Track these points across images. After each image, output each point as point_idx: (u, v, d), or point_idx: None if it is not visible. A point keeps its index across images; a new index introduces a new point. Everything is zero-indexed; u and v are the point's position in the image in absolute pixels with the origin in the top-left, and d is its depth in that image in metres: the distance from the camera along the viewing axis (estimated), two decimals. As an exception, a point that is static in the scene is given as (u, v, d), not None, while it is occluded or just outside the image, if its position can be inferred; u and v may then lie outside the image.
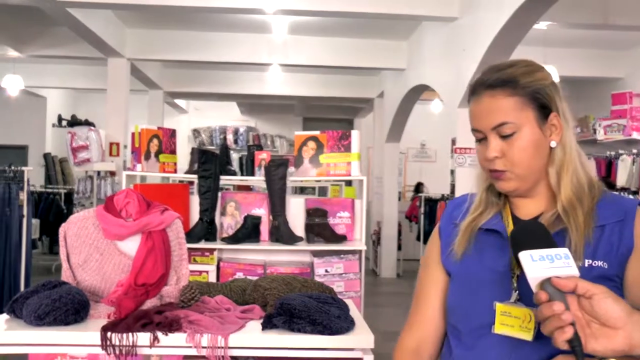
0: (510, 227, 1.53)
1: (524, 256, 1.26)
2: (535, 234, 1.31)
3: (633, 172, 8.24)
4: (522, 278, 1.42)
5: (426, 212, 12.30)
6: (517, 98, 1.48)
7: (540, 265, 1.24)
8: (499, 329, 1.43)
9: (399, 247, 12.93)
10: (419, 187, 14.14)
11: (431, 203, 12.39)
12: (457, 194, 7.89)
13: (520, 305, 1.42)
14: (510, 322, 1.42)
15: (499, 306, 1.44)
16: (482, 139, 1.53)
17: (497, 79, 1.50)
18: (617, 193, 1.61)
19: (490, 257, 1.53)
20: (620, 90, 9.22)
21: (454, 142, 7.92)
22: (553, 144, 1.51)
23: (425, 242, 12.10)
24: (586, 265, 1.41)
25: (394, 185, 12.71)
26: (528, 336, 1.40)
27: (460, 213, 1.65)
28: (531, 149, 1.48)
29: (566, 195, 1.48)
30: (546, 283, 1.23)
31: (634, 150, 8.39)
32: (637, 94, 8.87)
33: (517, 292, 1.46)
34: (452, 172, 8.08)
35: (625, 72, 10.05)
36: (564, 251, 1.26)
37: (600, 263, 1.42)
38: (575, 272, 1.24)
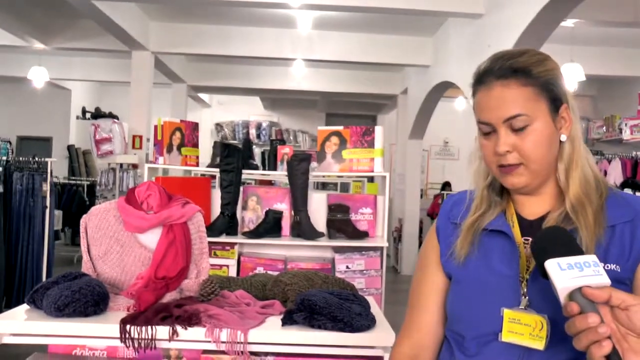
0: (515, 227, 1.45)
1: (551, 265, 1.18)
2: (560, 241, 1.23)
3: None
4: (532, 283, 1.37)
5: (448, 210, 12.23)
6: (530, 88, 1.38)
7: (569, 274, 1.16)
8: (506, 336, 1.35)
9: (420, 245, 12.87)
10: (445, 187, 14.05)
11: (453, 201, 12.31)
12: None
13: (530, 311, 1.34)
14: (520, 329, 1.33)
15: (507, 313, 1.35)
16: (489, 133, 1.42)
17: (509, 67, 1.40)
18: (622, 191, 1.50)
19: (497, 260, 1.43)
20: (649, 89, 9.11)
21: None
22: (563, 137, 1.42)
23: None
24: None
25: (417, 182, 12.65)
26: (539, 345, 1.31)
27: (459, 212, 1.54)
28: (545, 143, 1.39)
29: (575, 192, 1.39)
30: (576, 293, 1.15)
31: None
32: (665, 93, 8.76)
33: (526, 297, 1.37)
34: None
35: (654, 71, 9.91)
36: (592, 258, 1.18)
37: (613, 266, 1.33)
38: (607, 281, 1.16)
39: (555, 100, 1.40)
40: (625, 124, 9.02)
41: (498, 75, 1.40)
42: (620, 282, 1.31)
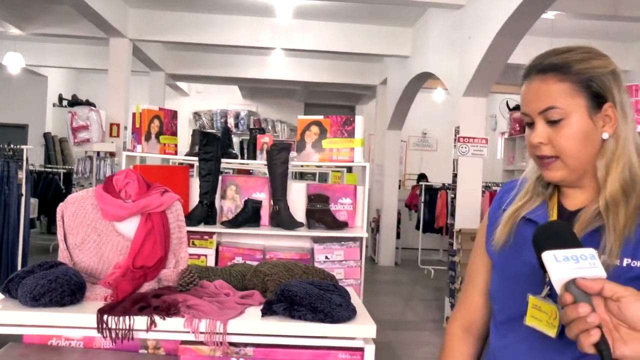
0: (553, 217, 1.49)
1: (548, 256, 1.23)
2: (560, 234, 1.27)
3: (637, 165, 8.19)
4: None
5: (426, 201, 12.28)
6: (568, 84, 1.42)
7: (564, 266, 1.21)
8: (529, 321, 1.39)
9: (398, 236, 12.91)
10: (421, 179, 14.10)
11: (431, 192, 12.37)
12: (459, 183, 7.86)
13: (548, 300, 1.37)
14: (540, 316, 1.37)
15: (531, 299, 1.39)
16: (530, 124, 1.48)
17: (549, 63, 1.45)
18: None
19: (529, 248, 1.45)
20: (627, 83, 9.13)
21: (457, 131, 7.87)
22: (605, 135, 1.44)
23: (424, 231, 12.19)
24: (624, 264, 1.35)
25: (395, 173, 12.69)
26: (552, 332, 1.34)
27: (509, 198, 1.62)
28: (579, 137, 1.42)
29: (612, 190, 1.41)
30: (571, 284, 1.20)
31: None
32: (643, 87, 8.82)
33: (548, 287, 1.39)
34: (455, 161, 8.02)
35: (632, 64, 9.97)
36: (590, 252, 1.22)
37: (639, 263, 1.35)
38: (602, 273, 1.20)
39: (597, 97, 1.43)
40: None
41: (538, 70, 1.46)
42: None
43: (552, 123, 1.42)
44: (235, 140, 9.64)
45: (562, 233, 1.27)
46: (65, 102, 14.52)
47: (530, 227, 1.49)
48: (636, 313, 1.16)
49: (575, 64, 1.43)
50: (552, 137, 1.43)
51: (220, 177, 4.60)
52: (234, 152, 5.10)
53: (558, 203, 1.52)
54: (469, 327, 1.73)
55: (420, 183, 12.80)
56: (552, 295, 1.38)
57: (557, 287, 1.22)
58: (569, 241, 1.25)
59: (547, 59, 1.46)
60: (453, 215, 8.13)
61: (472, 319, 1.72)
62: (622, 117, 1.44)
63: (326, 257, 4.43)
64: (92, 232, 2.32)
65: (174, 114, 4.83)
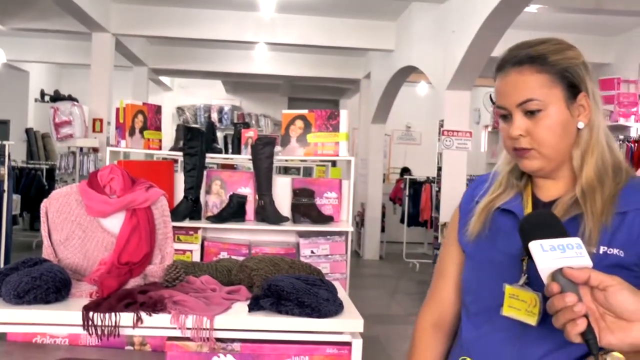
0: (528, 209, 1.50)
1: (534, 246, 1.23)
2: (546, 223, 1.28)
3: (620, 158, 8.25)
4: (532, 261, 1.38)
5: (410, 195, 12.30)
6: (545, 75, 1.43)
7: (551, 255, 1.21)
8: (507, 311, 1.40)
9: (383, 229, 12.93)
10: (404, 172, 14.12)
11: (416, 186, 12.39)
12: (444, 177, 7.87)
13: (527, 289, 1.39)
14: (518, 305, 1.38)
15: (508, 288, 1.41)
16: (506, 117, 1.48)
17: (525, 55, 1.45)
18: None
19: (504, 238, 1.50)
20: (609, 76, 9.22)
21: (441, 124, 7.89)
22: (580, 125, 1.46)
23: (409, 225, 12.21)
24: (600, 252, 1.37)
25: (379, 167, 12.71)
26: (532, 321, 1.36)
27: (481, 190, 1.63)
28: (558, 128, 1.43)
29: (587, 177, 1.43)
30: (558, 274, 1.20)
31: (621, 137, 8.39)
32: (625, 80, 8.87)
33: (526, 275, 1.41)
34: (439, 155, 8.04)
35: (613, 57, 10.01)
36: (576, 241, 1.23)
37: (616, 251, 1.37)
38: (588, 262, 1.21)
39: (572, 87, 1.45)
40: (586, 109, 9.13)
41: (514, 63, 1.46)
42: (624, 267, 1.35)
43: (531, 115, 1.43)
44: (219, 135, 9.62)
45: (548, 222, 1.28)
46: (47, 98, 14.37)
47: (505, 217, 1.52)
48: (622, 302, 1.17)
49: (550, 55, 1.44)
50: (531, 129, 1.43)
51: (205, 172, 4.58)
52: (219, 146, 5.08)
53: (532, 194, 1.53)
54: (439, 322, 1.71)
55: (405, 177, 12.81)
56: (530, 284, 1.40)
57: (544, 276, 1.23)
58: (556, 230, 1.26)
59: (522, 51, 1.46)
60: (438, 208, 8.15)
61: (443, 313, 1.70)
62: (595, 107, 1.46)
63: (312, 252, 4.43)
64: (76, 229, 2.31)
65: (157, 109, 4.81)
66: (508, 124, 1.48)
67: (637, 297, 1.18)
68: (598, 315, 1.20)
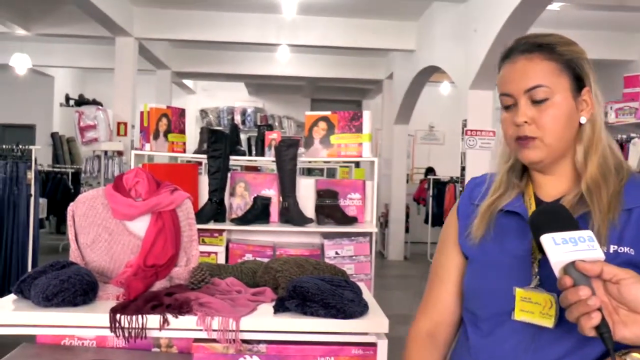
0: (532, 208, 1.46)
1: (546, 239, 1.22)
2: (557, 216, 1.26)
3: (644, 155, 8.15)
4: (543, 263, 1.38)
5: (434, 195, 12.26)
6: (553, 63, 1.43)
7: (563, 248, 1.20)
8: (519, 315, 1.37)
9: (407, 230, 12.90)
10: (429, 173, 14.07)
11: (440, 186, 12.35)
12: (467, 176, 7.83)
13: (540, 290, 1.36)
14: (531, 308, 1.36)
15: (518, 292, 1.38)
16: (510, 106, 1.47)
17: (534, 43, 1.45)
18: None
19: (510, 241, 1.47)
20: (633, 72, 9.11)
21: (464, 124, 7.85)
22: (583, 119, 1.45)
23: (433, 225, 12.15)
24: (611, 251, 1.34)
25: (403, 167, 12.66)
26: (549, 323, 1.34)
27: (479, 193, 1.59)
28: (563, 118, 1.42)
29: (592, 173, 1.41)
30: (570, 267, 1.19)
31: (646, 134, 8.30)
32: (650, 76, 8.77)
33: (537, 277, 1.39)
34: (463, 154, 8.00)
35: (638, 54, 9.91)
36: (587, 233, 1.22)
37: (626, 249, 1.35)
38: (601, 255, 1.20)
39: (578, 80, 1.44)
40: (611, 108, 9.04)
41: (523, 50, 1.45)
42: (635, 265, 1.31)
43: (537, 103, 1.42)
44: (243, 137, 9.65)
45: (559, 215, 1.27)
46: (72, 102, 14.51)
47: (509, 218, 1.49)
48: (635, 295, 1.16)
49: (559, 45, 1.44)
50: (536, 117, 1.42)
51: (229, 174, 4.60)
52: (243, 149, 5.10)
53: (534, 194, 1.51)
54: (435, 330, 1.64)
55: (428, 177, 12.77)
56: (541, 286, 1.38)
57: (556, 270, 1.21)
58: (567, 223, 1.24)
59: (530, 39, 1.46)
60: (462, 208, 8.09)
61: (440, 321, 1.63)
62: (597, 104, 1.45)
63: (336, 253, 4.42)
64: (103, 232, 2.32)
65: (181, 112, 4.83)
66: (511, 113, 1.46)
67: None
68: (611, 309, 1.19)
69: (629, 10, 7.93)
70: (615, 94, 9.65)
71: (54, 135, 14.49)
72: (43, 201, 9.47)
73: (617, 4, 7.48)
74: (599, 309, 1.14)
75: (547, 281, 1.35)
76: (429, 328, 1.64)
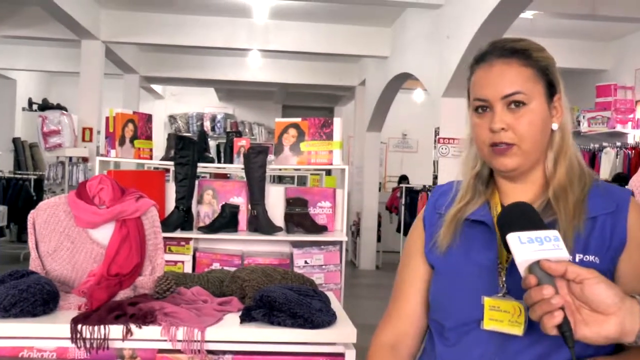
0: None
1: (512, 238, 1.23)
2: (524, 216, 1.27)
3: (616, 165, 8.26)
4: (510, 272, 1.40)
5: (407, 204, 12.26)
6: (530, 70, 1.42)
7: (529, 247, 1.21)
8: (488, 324, 1.38)
9: (379, 239, 12.87)
10: (402, 181, 14.09)
11: (412, 194, 12.34)
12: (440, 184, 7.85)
13: (509, 298, 1.37)
14: (500, 316, 1.36)
15: (487, 300, 1.38)
16: (482, 111, 1.45)
17: (511, 47, 1.44)
18: (608, 182, 1.54)
19: (477, 250, 1.46)
20: (605, 82, 9.24)
21: (437, 132, 7.87)
22: (554, 126, 1.46)
23: (405, 234, 12.12)
24: (577, 260, 1.35)
25: (375, 175, 12.65)
26: (518, 331, 1.34)
27: (445, 202, 1.57)
28: (540, 124, 1.42)
29: (560, 180, 1.43)
30: (535, 266, 1.20)
31: (618, 143, 8.40)
32: (621, 86, 8.89)
33: (504, 286, 1.40)
34: (435, 162, 8.03)
35: (610, 64, 10.02)
36: (553, 233, 1.24)
37: (591, 258, 1.37)
38: (566, 255, 1.21)
39: (551, 86, 1.44)
40: (583, 116, 9.16)
41: (499, 55, 1.44)
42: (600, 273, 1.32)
43: (513, 109, 1.40)
44: (212, 143, 9.58)
45: (526, 214, 1.28)
46: (35, 106, 14.29)
47: (475, 228, 1.48)
48: (598, 295, 1.17)
49: (534, 51, 1.44)
50: (513, 123, 1.40)
51: (196, 182, 4.54)
52: (211, 156, 5.04)
53: (500, 203, 1.50)
54: (397, 343, 1.59)
55: (401, 185, 12.78)
56: (510, 294, 1.38)
57: (521, 269, 1.22)
58: (533, 223, 1.25)
59: (505, 44, 1.45)
60: (433, 217, 8.11)
61: (403, 334, 1.59)
62: (566, 110, 1.47)
63: (305, 262, 4.39)
64: (65, 240, 2.28)
65: (148, 118, 4.77)
66: (484, 118, 1.44)
67: (613, 290, 1.18)
68: (574, 308, 1.20)
69: (601, 19, 8.02)
70: (588, 102, 9.79)
71: (15, 141, 14.22)
72: (3, 208, 9.32)
73: (589, 13, 7.55)
74: (562, 308, 1.16)
75: (515, 290, 1.36)
76: (392, 340, 1.60)
